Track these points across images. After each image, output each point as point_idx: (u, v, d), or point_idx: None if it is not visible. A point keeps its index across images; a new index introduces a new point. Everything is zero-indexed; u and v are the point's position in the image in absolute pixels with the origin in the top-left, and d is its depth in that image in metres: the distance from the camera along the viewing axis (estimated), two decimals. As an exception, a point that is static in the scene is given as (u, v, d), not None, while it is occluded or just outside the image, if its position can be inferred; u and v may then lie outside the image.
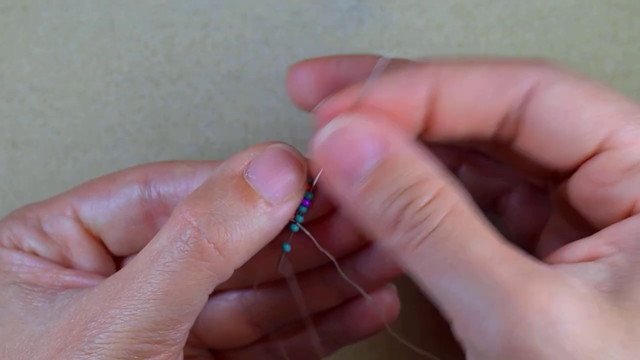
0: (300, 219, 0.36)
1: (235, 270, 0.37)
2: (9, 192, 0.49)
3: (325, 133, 0.34)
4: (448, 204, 0.32)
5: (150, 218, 0.38)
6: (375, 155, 0.33)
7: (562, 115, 0.34)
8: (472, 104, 0.35)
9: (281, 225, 0.35)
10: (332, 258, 0.38)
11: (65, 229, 0.38)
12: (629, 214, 0.34)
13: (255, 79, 0.49)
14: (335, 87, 0.37)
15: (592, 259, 0.33)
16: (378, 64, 0.34)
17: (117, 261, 0.41)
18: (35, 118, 0.49)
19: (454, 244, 0.31)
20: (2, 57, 0.49)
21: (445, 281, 0.31)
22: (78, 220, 0.38)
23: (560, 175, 0.36)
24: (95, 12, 0.49)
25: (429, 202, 0.32)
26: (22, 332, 0.34)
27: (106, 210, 0.38)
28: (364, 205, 0.33)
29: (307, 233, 0.36)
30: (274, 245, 0.36)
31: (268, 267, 0.38)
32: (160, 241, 0.33)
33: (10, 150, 0.49)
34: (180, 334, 0.34)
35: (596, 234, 0.34)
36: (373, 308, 0.41)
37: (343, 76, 0.38)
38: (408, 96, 0.34)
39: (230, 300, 0.40)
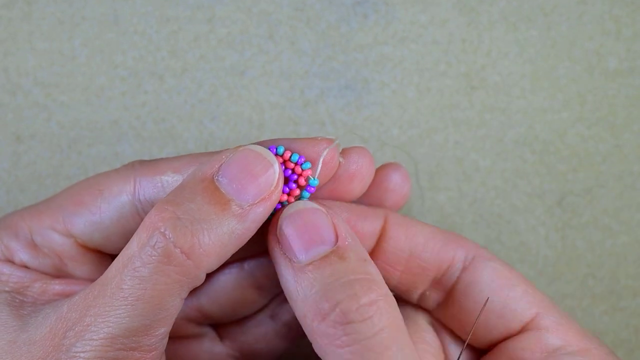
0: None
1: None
2: (13, 186, 0.49)
3: (292, 208, 0.35)
4: (391, 313, 0.32)
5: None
6: (331, 240, 0.34)
7: (495, 290, 0.37)
8: (414, 252, 0.38)
9: (254, 227, 0.34)
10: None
11: (57, 244, 0.38)
12: None
13: (259, 74, 0.49)
14: None
15: None
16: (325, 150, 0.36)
17: None
18: (39, 112, 0.49)
19: (387, 355, 0.31)
20: (7, 52, 0.49)
21: None
22: (70, 235, 0.38)
23: (479, 346, 0.38)
24: (99, 7, 0.49)
25: (373, 302, 0.32)
26: (5, 339, 0.34)
27: (101, 227, 0.38)
28: (304, 282, 0.33)
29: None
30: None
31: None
32: (132, 247, 0.33)
33: (14, 144, 0.49)
34: (156, 339, 0.33)
35: None
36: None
37: None
38: (370, 218, 0.37)
39: (232, 268, 0.40)
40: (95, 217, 0.37)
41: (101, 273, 0.39)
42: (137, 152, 0.49)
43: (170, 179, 0.37)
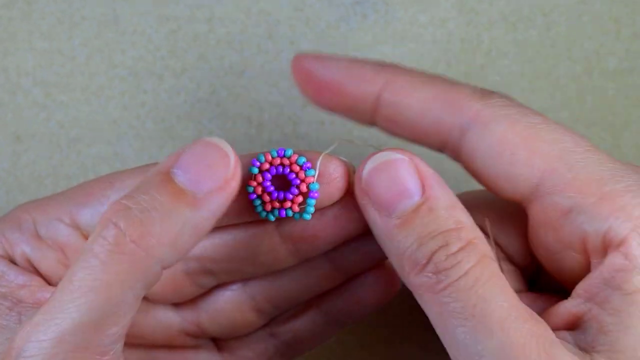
0: (311, 209, 0.36)
1: (237, 262, 0.37)
2: (12, 186, 0.49)
3: (373, 162, 0.34)
4: (477, 255, 0.32)
5: None
6: (417, 193, 0.33)
7: (496, 157, 0.35)
8: (411, 121, 0.36)
9: (212, 216, 0.34)
10: None
11: (62, 235, 0.37)
12: (584, 253, 0.34)
13: (258, 74, 0.49)
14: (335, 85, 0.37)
15: (576, 322, 0.34)
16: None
17: None
18: (38, 112, 0.49)
19: (475, 295, 0.32)
20: (6, 51, 0.49)
21: (459, 331, 0.32)
22: (77, 227, 0.38)
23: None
24: (98, 6, 0.49)
25: (461, 249, 0.32)
26: None
27: None
28: (396, 239, 0.33)
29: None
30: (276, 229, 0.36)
31: (271, 252, 0.38)
32: (87, 242, 0.32)
33: (13, 143, 0.49)
34: (108, 340, 0.32)
35: (573, 295, 0.35)
36: (375, 283, 0.41)
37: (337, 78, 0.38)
38: (364, 85, 0.36)
39: (234, 289, 0.40)
40: (102, 205, 0.37)
41: None
42: (136, 152, 0.49)
43: None
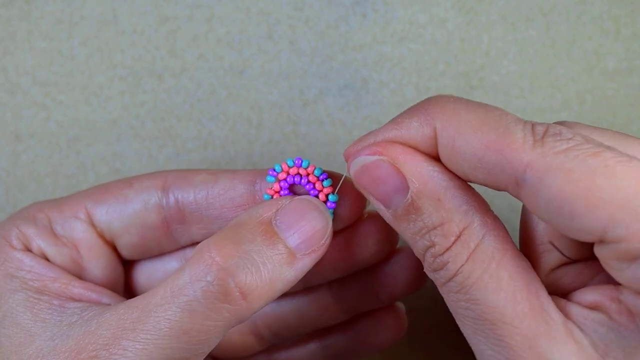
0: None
1: None
2: (12, 185, 0.49)
3: (354, 167, 0.34)
4: (467, 249, 0.32)
5: (167, 225, 0.38)
6: (403, 189, 0.33)
7: (555, 212, 0.32)
8: (468, 170, 0.34)
9: (300, 277, 0.34)
10: None
11: (78, 232, 0.38)
12: None
13: (258, 74, 0.49)
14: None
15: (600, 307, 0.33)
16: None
17: (126, 265, 0.40)
18: (38, 111, 0.49)
19: (468, 293, 0.32)
20: (5, 51, 0.49)
21: (463, 325, 0.32)
22: (92, 224, 0.38)
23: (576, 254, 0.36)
24: (98, 6, 0.49)
25: (447, 249, 0.32)
26: (29, 345, 0.33)
27: (122, 215, 0.38)
28: (399, 229, 0.34)
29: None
30: None
31: None
32: (184, 277, 0.32)
33: (13, 143, 0.49)
34: None
35: (621, 297, 0.33)
36: (382, 325, 0.41)
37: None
38: (421, 138, 0.34)
39: None
40: (119, 204, 0.37)
41: (111, 272, 0.39)
42: (136, 152, 0.49)
43: (201, 179, 0.37)
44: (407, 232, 0.33)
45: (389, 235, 0.38)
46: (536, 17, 0.49)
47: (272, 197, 0.36)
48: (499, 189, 0.34)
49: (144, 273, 0.41)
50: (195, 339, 0.32)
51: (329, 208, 0.36)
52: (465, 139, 0.33)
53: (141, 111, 0.49)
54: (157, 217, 0.38)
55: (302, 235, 0.34)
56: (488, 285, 0.32)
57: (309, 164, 0.36)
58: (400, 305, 0.42)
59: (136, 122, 0.49)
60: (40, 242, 0.37)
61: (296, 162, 0.36)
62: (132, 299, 0.33)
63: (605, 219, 0.31)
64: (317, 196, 0.36)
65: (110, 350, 0.32)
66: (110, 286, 0.38)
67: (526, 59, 0.50)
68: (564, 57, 0.50)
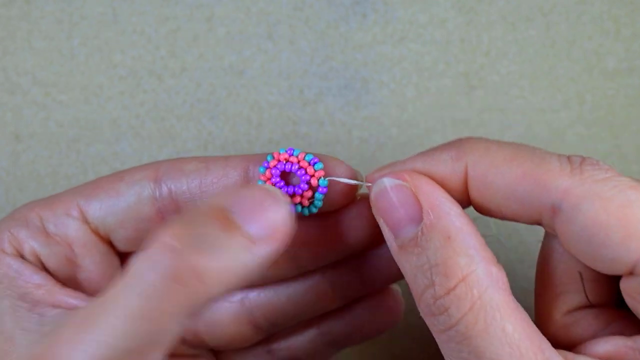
0: (319, 204, 0.36)
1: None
2: (12, 185, 0.49)
3: (376, 188, 0.34)
4: (471, 296, 0.31)
5: (162, 215, 0.38)
6: (416, 219, 0.33)
7: (590, 239, 0.33)
8: (500, 203, 0.34)
9: (262, 264, 0.33)
10: None
11: (71, 229, 0.37)
12: None
13: (258, 73, 0.49)
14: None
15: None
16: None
17: (124, 257, 0.40)
18: (38, 111, 0.49)
19: (468, 348, 0.31)
20: (5, 51, 0.49)
21: None
22: (85, 220, 0.38)
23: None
24: (98, 6, 0.49)
25: (450, 290, 0.31)
26: (11, 354, 0.33)
27: (116, 209, 0.37)
28: (400, 261, 0.33)
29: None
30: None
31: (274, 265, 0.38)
32: (138, 263, 0.31)
33: (13, 143, 0.49)
34: None
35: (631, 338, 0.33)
36: (377, 308, 0.41)
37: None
38: (449, 173, 0.34)
39: (233, 301, 0.40)
40: (112, 199, 0.37)
41: (108, 266, 0.38)
42: (136, 151, 0.49)
43: (193, 167, 0.37)
44: (408, 265, 0.33)
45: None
46: (536, 17, 0.49)
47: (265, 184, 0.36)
48: (529, 221, 0.34)
49: None
50: (151, 324, 0.31)
51: (320, 193, 0.36)
52: (500, 171, 0.33)
53: (141, 111, 0.49)
54: (151, 209, 0.37)
55: (258, 223, 0.33)
56: (494, 337, 0.31)
57: (300, 152, 0.36)
58: (396, 287, 0.42)
59: (136, 122, 0.49)
60: (33, 244, 0.37)
61: (288, 151, 0.36)
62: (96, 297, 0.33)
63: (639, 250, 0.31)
64: (309, 182, 0.36)
65: (68, 347, 0.30)
66: (107, 281, 0.38)
67: (526, 59, 0.50)
68: (564, 57, 0.50)
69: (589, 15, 0.50)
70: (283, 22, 0.49)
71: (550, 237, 0.36)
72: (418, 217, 0.33)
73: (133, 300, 0.31)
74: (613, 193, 0.32)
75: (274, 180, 0.36)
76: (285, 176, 0.37)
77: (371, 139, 0.49)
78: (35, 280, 0.36)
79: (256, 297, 0.40)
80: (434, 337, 0.33)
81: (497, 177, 0.34)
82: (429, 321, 0.32)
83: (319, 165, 0.36)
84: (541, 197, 0.33)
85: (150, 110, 0.49)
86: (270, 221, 0.33)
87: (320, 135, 0.49)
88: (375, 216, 0.34)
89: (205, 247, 0.32)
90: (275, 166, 0.36)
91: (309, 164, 0.36)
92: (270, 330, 0.41)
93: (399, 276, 0.40)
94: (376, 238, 0.38)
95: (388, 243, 0.34)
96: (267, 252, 0.33)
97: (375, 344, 0.50)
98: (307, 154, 0.36)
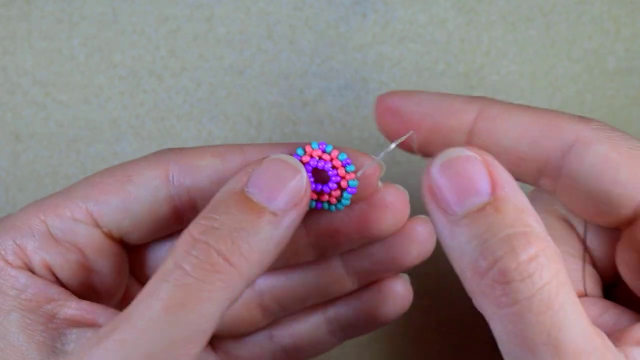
0: (347, 202, 0.36)
1: None
2: (11, 185, 0.49)
3: (442, 158, 0.32)
4: (552, 267, 0.30)
5: (178, 213, 0.37)
6: (485, 192, 0.31)
7: (598, 176, 0.33)
8: (508, 147, 0.35)
9: (289, 232, 0.34)
10: None
11: (81, 235, 0.36)
12: None
13: (258, 73, 0.49)
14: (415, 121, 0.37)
15: None
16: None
17: (134, 252, 0.39)
18: (38, 111, 0.49)
19: (550, 321, 0.29)
20: (5, 51, 0.49)
21: (526, 355, 0.30)
22: (96, 224, 0.36)
23: (607, 227, 0.36)
24: (98, 6, 0.49)
25: (533, 257, 0.30)
26: None
27: (131, 214, 0.36)
28: (457, 239, 0.31)
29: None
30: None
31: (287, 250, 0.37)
32: (168, 263, 0.32)
33: (13, 143, 0.49)
34: (189, 359, 0.32)
35: None
36: (387, 294, 0.40)
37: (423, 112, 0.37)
38: (458, 115, 0.35)
39: None
40: (124, 202, 0.36)
41: (122, 266, 0.38)
42: (136, 151, 0.49)
43: (208, 163, 0.36)
44: (474, 240, 0.31)
45: (404, 208, 0.38)
46: (536, 17, 0.49)
47: None
48: (531, 175, 0.35)
49: (152, 255, 0.40)
50: (194, 312, 0.31)
51: (349, 193, 0.36)
52: (513, 113, 0.35)
53: (141, 111, 0.49)
54: (167, 209, 0.37)
55: (277, 195, 0.33)
56: (573, 312, 0.30)
57: (332, 148, 0.36)
58: (405, 275, 0.42)
59: (136, 122, 0.49)
60: (43, 255, 0.35)
61: (320, 146, 0.36)
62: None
63: None
64: (339, 183, 0.36)
65: (123, 346, 0.31)
66: (122, 279, 0.38)
67: (526, 59, 0.50)
68: (564, 57, 0.50)
69: (589, 15, 0.50)
70: (283, 22, 0.49)
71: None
72: (488, 189, 0.31)
73: (170, 291, 0.31)
74: (621, 140, 0.34)
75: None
76: (316, 172, 0.36)
77: (371, 139, 0.49)
78: (45, 294, 0.35)
79: (268, 280, 0.40)
80: (492, 317, 0.30)
81: (511, 117, 0.34)
82: (499, 292, 0.30)
83: (351, 168, 0.36)
84: (552, 139, 0.34)
85: (150, 110, 0.49)
86: (292, 192, 0.34)
87: (320, 135, 0.49)
88: (430, 189, 0.33)
89: (229, 232, 0.32)
90: (307, 162, 0.36)
91: (342, 164, 0.36)
92: (278, 314, 0.41)
93: (413, 263, 0.39)
94: (398, 227, 0.38)
95: (441, 221, 0.32)
96: (293, 220, 0.34)
97: (374, 345, 0.50)
98: (340, 152, 0.36)
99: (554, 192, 0.36)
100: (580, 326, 0.29)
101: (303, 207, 0.34)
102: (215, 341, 0.42)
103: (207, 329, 0.32)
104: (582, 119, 0.35)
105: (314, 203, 0.36)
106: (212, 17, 0.49)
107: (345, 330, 0.41)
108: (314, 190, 0.36)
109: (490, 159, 0.32)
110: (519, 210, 0.31)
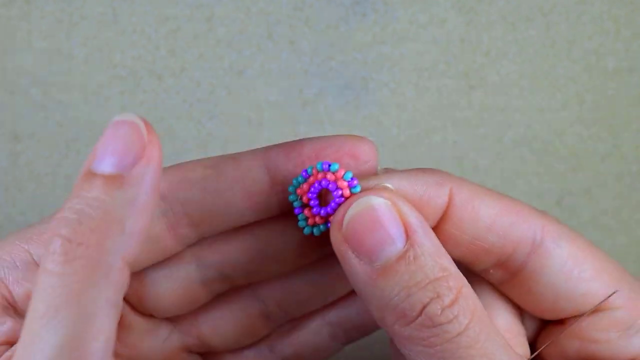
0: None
1: (257, 263, 0.36)
2: (11, 185, 0.49)
3: (354, 208, 0.33)
4: (470, 307, 0.31)
5: (174, 230, 0.36)
6: (400, 239, 0.32)
7: (566, 273, 0.35)
8: (479, 236, 0.35)
9: (149, 190, 0.31)
10: None
11: None
12: None
13: (258, 73, 0.49)
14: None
15: None
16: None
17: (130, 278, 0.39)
18: (37, 111, 0.49)
19: (481, 351, 0.31)
20: (5, 51, 0.49)
21: None
22: None
23: (546, 319, 0.37)
24: (98, 6, 0.49)
25: (455, 300, 0.31)
26: None
27: None
28: (379, 287, 0.32)
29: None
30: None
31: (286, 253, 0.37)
32: (40, 267, 0.30)
33: (12, 143, 0.49)
34: (94, 358, 0.29)
35: None
36: None
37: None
38: (433, 196, 0.35)
39: (243, 296, 0.39)
40: None
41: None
42: (135, 152, 0.49)
43: (200, 175, 0.36)
44: (394, 288, 0.32)
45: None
46: (536, 17, 0.49)
47: (299, 199, 0.35)
48: (492, 260, 0.35)
49: (151, 281, 0.39)
50: (73, 309, 0.29)
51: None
52: (484, 201, 0.35)
53: (141, 111, 0.49)
54: (162, 227, 0.36)
55: (115, 156, 0.31)
56: (498, 341, 0.31)
57: (338, 167, 0.35)
58: None
59: (136, 122, 0.49)
60: (28, 285, 0.34)
61: (324, 166, 0.35)
62: None
63: (610, 284, 0.35)
64: (342, 195, 0.34)
65: None
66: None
67: (526, 59, 0.50)
68: (563, 57, 0.50)
69: (589, 15, 0.50)
70: (283, 22, 0.49)
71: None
72: (402, 235, 0.32)
73: (43, 297, 0.29)
74: (574, 235, 0.35)
75: (312, 203, 0.35)
76: (320, 192, 0.36)
77: (371, 139, 0.49)
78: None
79: (270, 285, 0.39)
80: (419, 355, 0.32)
81: (482, 206, 0.35)
82: (428, 334, 0.31)
83: (356, 189, 0.34)
84: (522, 230, 0.35)
85: (150, 110, 0.49)
86: (132, 148, 0.31)
87: (320, 135, 0.49)
88: (343, 239, 0.33)
89: (77, 215, 0.30)
90: (312, 184, 0.35)
91: (348, 186, 0.35)
92: (281, 320, 0.40)
93: None
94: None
95: (358, 271, 0.32)
96: (146, 178, 0.31)
97: (374, 346, 0.50)
98: (346, 172, 0.35)
99: (501, 283, 0.37)
100: (508, 352, 0.32)
101: (154, 158, 0.31)
102: (213, 356, 0.41)
103: (98, 321, 0.30)
104: (543, 213, 0.35)
105: (322, 227, 0.35)
106: (212, 17, 0.49)
107: (348, 332, 0.41)
108: (319, 214, 0.35)
109: (401, 203, 0.33)
110: (435, 254, 0.32)
